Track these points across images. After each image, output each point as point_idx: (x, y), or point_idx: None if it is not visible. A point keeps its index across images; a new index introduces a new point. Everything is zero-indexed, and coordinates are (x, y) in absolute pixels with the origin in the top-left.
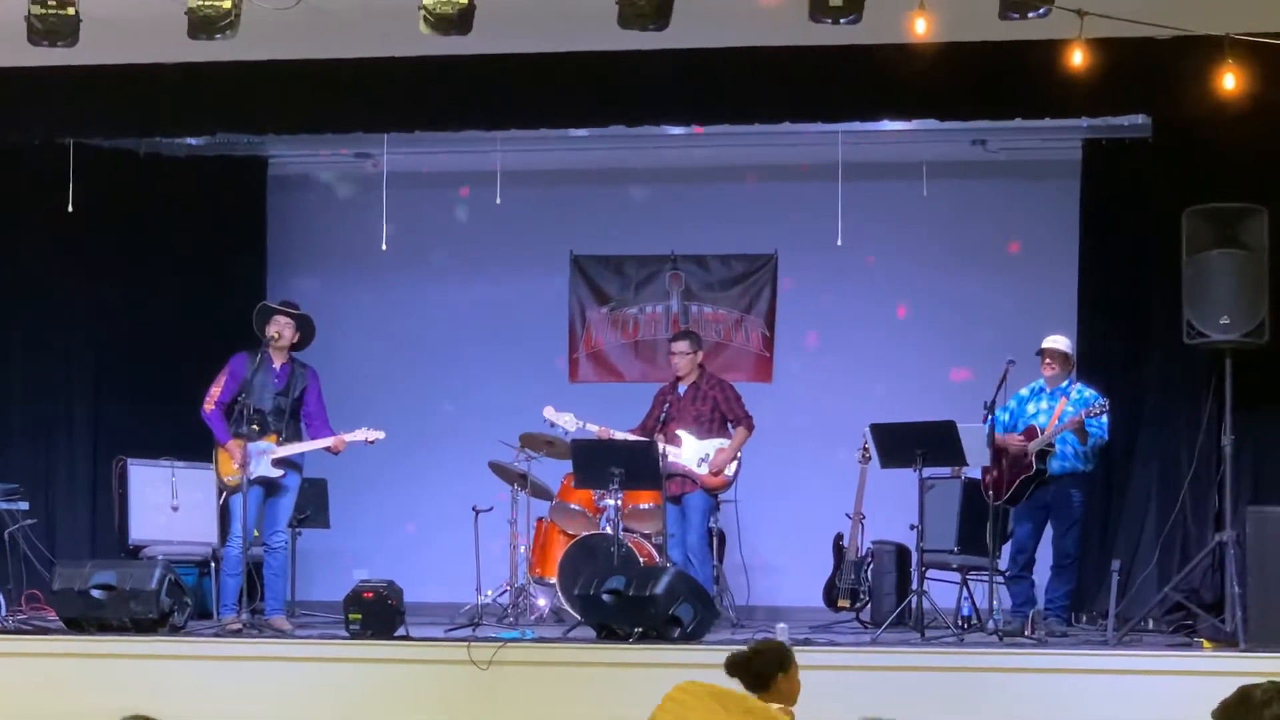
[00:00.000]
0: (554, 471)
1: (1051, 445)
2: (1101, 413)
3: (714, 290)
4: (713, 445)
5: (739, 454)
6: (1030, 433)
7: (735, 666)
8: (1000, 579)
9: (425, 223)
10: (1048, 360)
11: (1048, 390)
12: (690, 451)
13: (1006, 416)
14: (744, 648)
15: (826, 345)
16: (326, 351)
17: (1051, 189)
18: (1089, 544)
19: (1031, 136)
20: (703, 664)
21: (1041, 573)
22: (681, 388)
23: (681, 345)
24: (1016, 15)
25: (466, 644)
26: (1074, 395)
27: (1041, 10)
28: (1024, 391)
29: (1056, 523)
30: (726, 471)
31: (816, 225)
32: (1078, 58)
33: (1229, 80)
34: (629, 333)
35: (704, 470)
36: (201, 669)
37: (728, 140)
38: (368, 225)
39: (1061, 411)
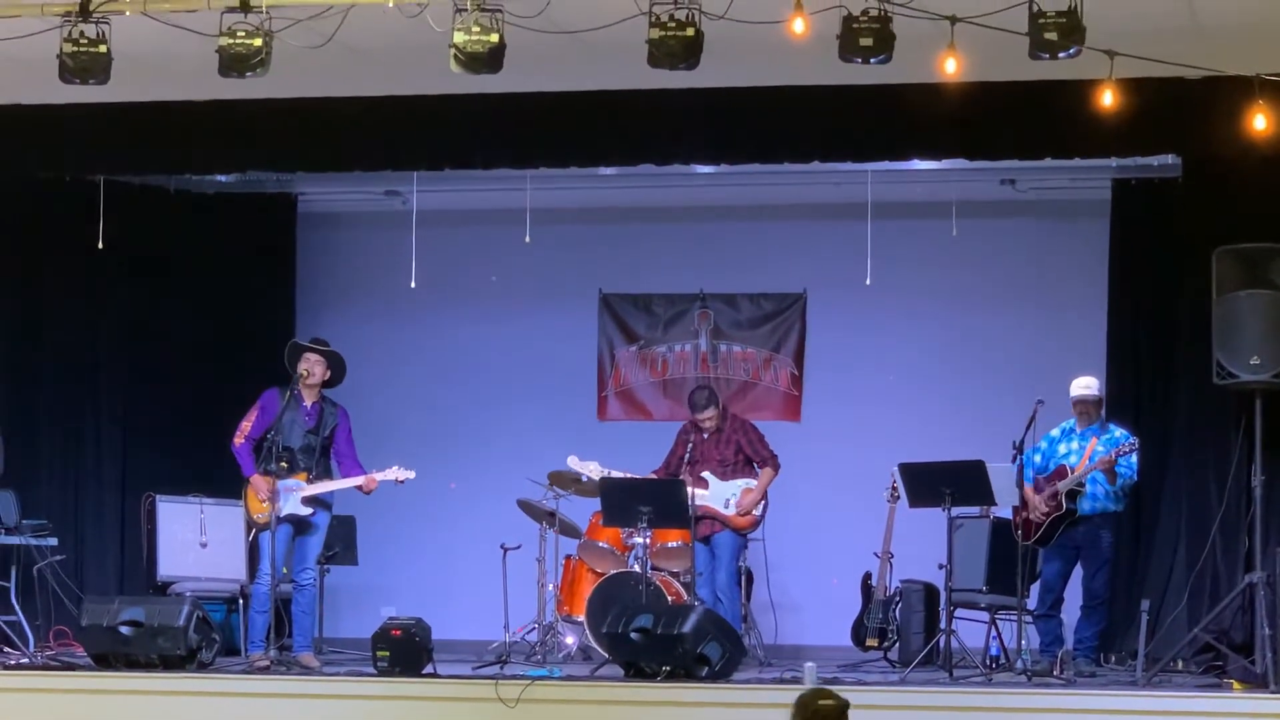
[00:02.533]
0: (582, 509)
1: (1082, 485)
2: (1130, 452)
3: (743, 329)
4: (738, 486)
5: (765, 494)
6: (1061, 473)
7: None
8: (1029, 618)
9: (455, 260)
10: (1080, 410)
11: (1079, 430)
12: (716, 493)
13: (1038, 458)
14: (831, 702)
15: (855, 384)
16: (356, 388)
17: (1081, 229)
18: (1118, 584)
19: (1061, 176)
20: (730, 703)
21: (1070, 612)
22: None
23: (710, 412)
24: (1047, 55)
25: (494, 682)
26: (1105, 435)
27: (1072, 50)
28: (1055, 432)
29: (1086, 563)
30: (754, 512)
31: (846, 264)
32: (1108, 99)
33: (1259, 121)
34: (657, 371)
35: (731, 511)
36: (229, 706)
37: (757, 179)
38: (397, 263)
39: (1092, 451)
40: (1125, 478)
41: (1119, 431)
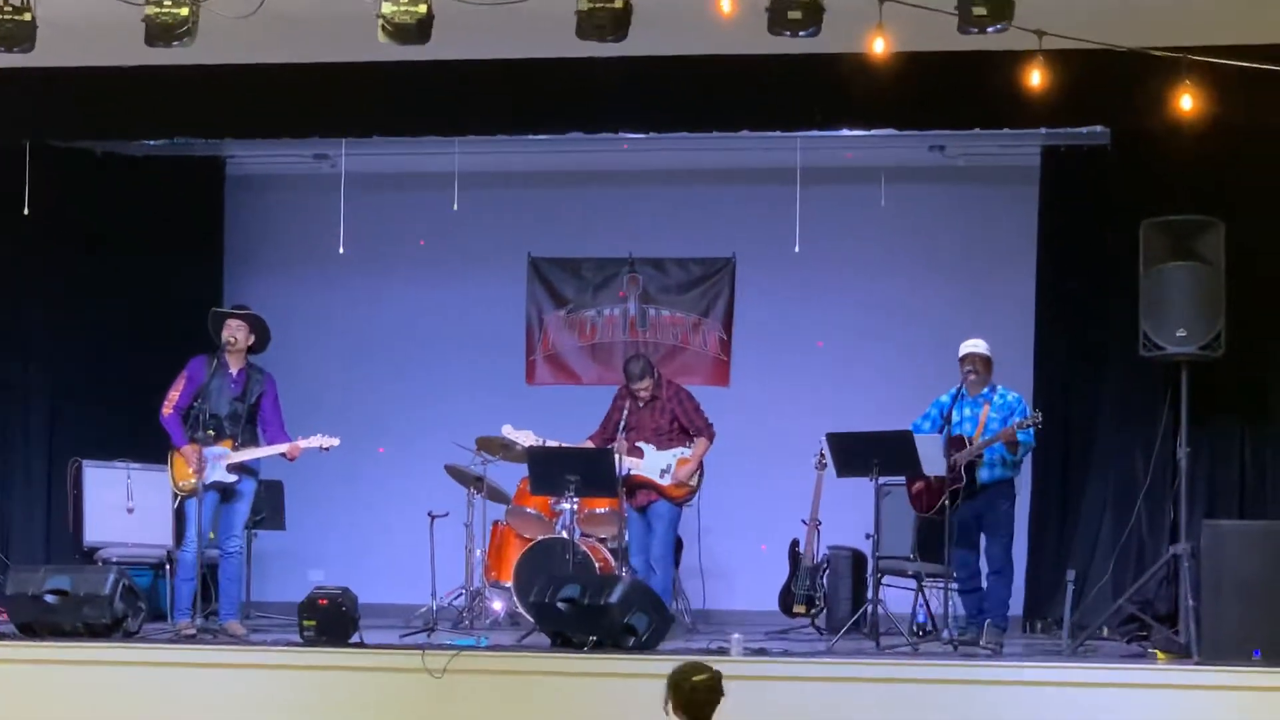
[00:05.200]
0: (510, 475)
1: (979, 455)
2: (1032, 424)
3: (672, 293)
4: (673, 455)
5: (701, 464)
6: (957, 442)
7: (715, 691)
8: (954, 586)
9: (383, 224)
10: (969, 365)
11: (969, 396)
12: (651, 463)
13: (928, 425)
14: (704, 676)
15: (784, 349)
16: (283, 354)
17: (1010, 195)
18: (1044, 552)
19: (990, 143)
20: (657, 674)
21: None
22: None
23: (645, 382)
24: (975, 30)
25: (421, 652)
26: (996, 400)
27: (1000, 26)
28: (944, 398)
29: (988, 530)
30: (690, 482)
31: (774, 229)
32: (1035, 79)
33: (1186, 101)
34: (586, 335)
35: (666, 481)
36: (155, 675)
37: (686, 143)
38: (325, 227)
39: (986, 418)
40: (1025, 444)
41: (1011, 395)
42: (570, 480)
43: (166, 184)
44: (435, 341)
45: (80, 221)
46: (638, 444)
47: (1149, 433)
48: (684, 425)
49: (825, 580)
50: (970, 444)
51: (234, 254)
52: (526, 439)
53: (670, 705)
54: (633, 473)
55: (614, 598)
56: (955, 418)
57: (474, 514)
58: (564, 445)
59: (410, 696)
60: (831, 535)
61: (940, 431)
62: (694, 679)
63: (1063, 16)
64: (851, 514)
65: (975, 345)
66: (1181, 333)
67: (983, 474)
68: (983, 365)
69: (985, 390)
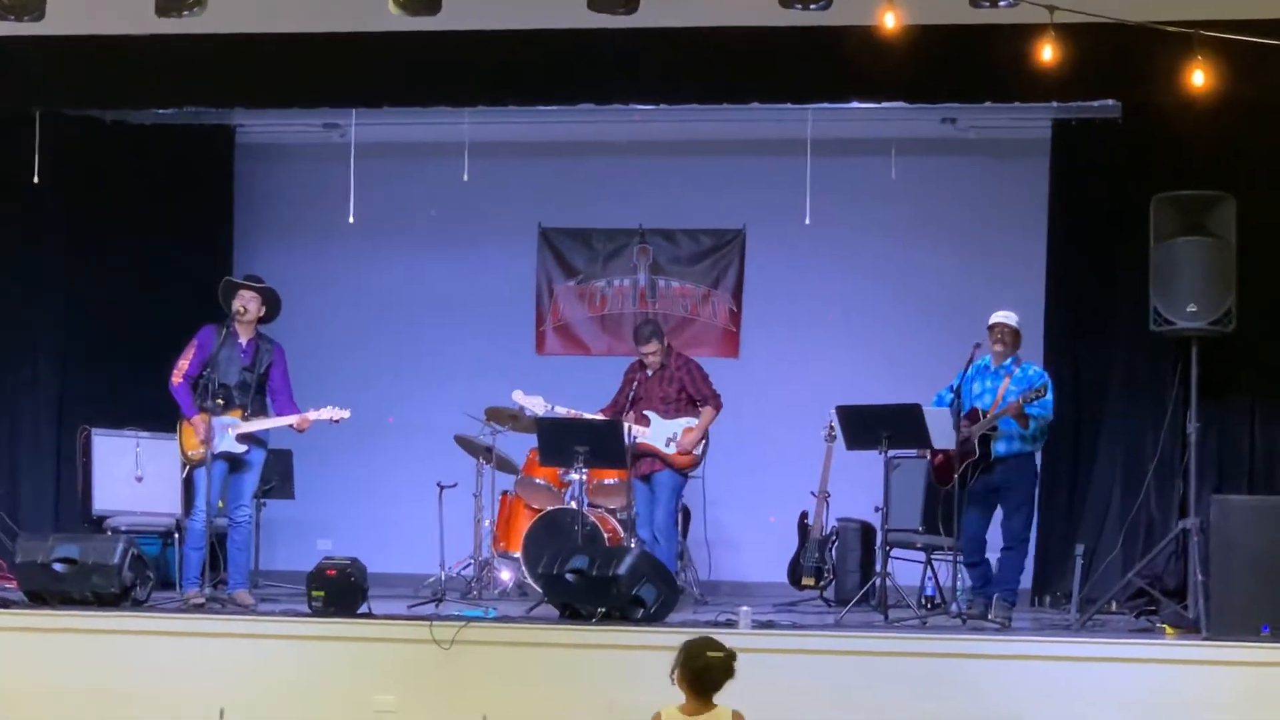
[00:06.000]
0: (519, 445)
1: (995, 427)
2: (1037, 398)
3: (682, 264)
4: (680, 425)
5: (706, 433)
6: (973, 415)
7: (726, 671)
8: (962, 558)
9: (393, 194)
10: (997, 335)
11: (992, 368)
12: (658, 431)
13: (952, 396)
14: (719, 655)
15: (793, 321)
16: (292, 323)
17: (1021, 168)
18: (1054, 525)
19: (1001, 115)
20: (665, 646)
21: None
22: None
23: (653, 345)
24: (987, 4)
25: (429, 623)
26: (1017, 374)
27: (1011, 0)
28: (968, 369)
29: (1004, 504)
30: (694, 451)
31: (785, 201)
32: (1047, 53)
33: (1198, 77)
34: (596, 306)
35: (671, 450)
36: (163, 644)
37: (697, 114)
38: (335, 197)
39: (1005, 391)
40: (1040, 418)
41: (1033, 369)
42: (580, 451)
43: (176, 152)
44: (445, 311)
45: (90, 189)
46: (645, 412)
47: (1159, 407)
48: (691, 395)
49: (834, 552)
50: (985, 417)
51: (243, 223)
52: (537, 405)
53: (677, 675)
54: (638, 440)
55: (622, 569)
56: (977, 389)
57: (483, 484)
58: (574, 412)
59: (418, 667)
60: (840, 507)
61: (951, 405)
62: (709, 655)
63: None
64: (861, 486)
65: (1005, 316)
66: (1192, 308)
67: (999, 447)
68: (1010, 336)
69: (1008, 362)
